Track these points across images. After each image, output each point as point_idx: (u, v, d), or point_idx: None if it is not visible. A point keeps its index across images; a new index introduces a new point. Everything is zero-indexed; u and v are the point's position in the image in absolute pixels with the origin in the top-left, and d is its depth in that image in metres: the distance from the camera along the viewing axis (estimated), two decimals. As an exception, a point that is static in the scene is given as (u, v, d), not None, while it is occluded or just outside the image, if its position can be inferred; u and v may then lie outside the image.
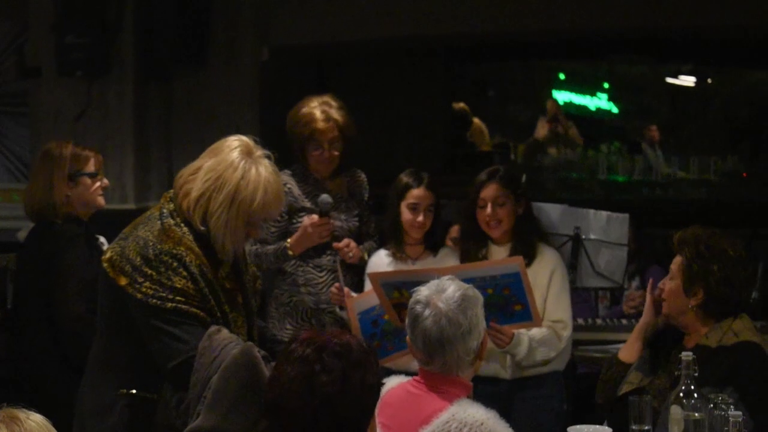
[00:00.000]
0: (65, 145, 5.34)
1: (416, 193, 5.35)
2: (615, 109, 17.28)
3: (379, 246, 5.54)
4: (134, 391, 3.82)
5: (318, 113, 5.45)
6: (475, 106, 14.92)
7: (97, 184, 5.32)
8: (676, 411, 3.76)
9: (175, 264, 3.76)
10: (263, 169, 3.86)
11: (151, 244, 3.77)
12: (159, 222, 3.83)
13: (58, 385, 5.04)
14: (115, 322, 3.84)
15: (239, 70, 8.58)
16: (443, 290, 3.75)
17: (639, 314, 6.52)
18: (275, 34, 8.77)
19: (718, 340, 4.25)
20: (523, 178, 5.48)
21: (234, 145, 3.89)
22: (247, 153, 3.86)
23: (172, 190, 3.93)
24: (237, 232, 3.85)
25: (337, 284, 5.31)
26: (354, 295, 5.29)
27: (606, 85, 17.04)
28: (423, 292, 3.77)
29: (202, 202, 3.81)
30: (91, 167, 5.29)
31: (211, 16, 8.38)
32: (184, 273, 3.76)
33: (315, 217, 5.36)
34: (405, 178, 5.40)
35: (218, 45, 8.47)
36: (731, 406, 3.69)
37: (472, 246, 5.30)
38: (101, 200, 5.35)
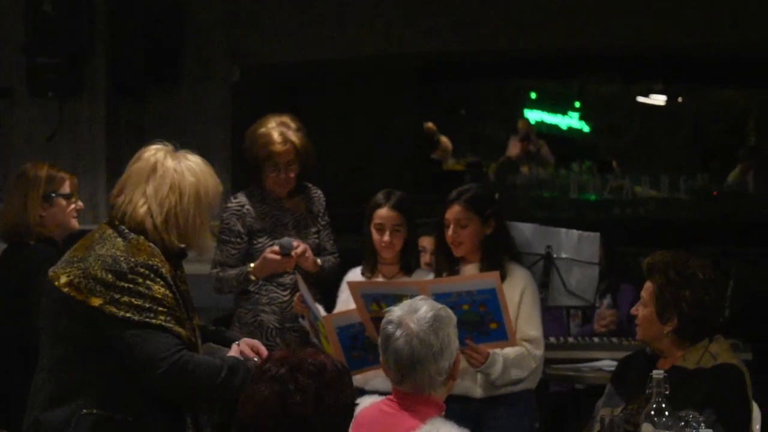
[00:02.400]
0: (41, 167, 5.32)
1: (381, 213, 5.35)
2: (586, 128, 17.36)
3: (341, 262, 5.55)
4: (95, 411, 3.77)
5: (276, 135, 5.41)
6: (448, 125, 14.98)
7: (72, 206, 5.30)
8: (647, 428, 3.77)
9: (151, 274, 3.74)
10: (195, 158, 3.91)
11: (122, 258, 3.74)
12: (121, 239, 3.80)
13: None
14: (79, 342, 3.78)
15: (211, 90, 8.59)
16: (416, 310, 3.75)
17: (610, 333, 6.59)
18: (246, 54, 8.79)
19: (696, 362, 4.27)
20: (496, 196, 5.47)
21: (158, 155, 3.89)
22: (171, 153, 3.89)
23: (112, 214, 3.89)
24: (207, 227, 3.91)
25: (299, 294, 5.29)
26: (325, 313, 5.29)
27: (577, 104, 17.14)
28: (396, 312, 3.77)
29: (171, 221, 3.82)
30: (66, 189, 5.27)
31: (182, 37, 8.39)
32: (161, 282, 3.76)
33: (276, 249, 5.36)
34: (376, 197, 5.41)
35: (190, 65, 8.47)
36: (702, 424, 3.71)
37: (444, 262, 5.31)
38: (75, 222, 5.32)
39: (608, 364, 6.09)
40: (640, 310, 4.38)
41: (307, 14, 8.79)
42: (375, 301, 4.96)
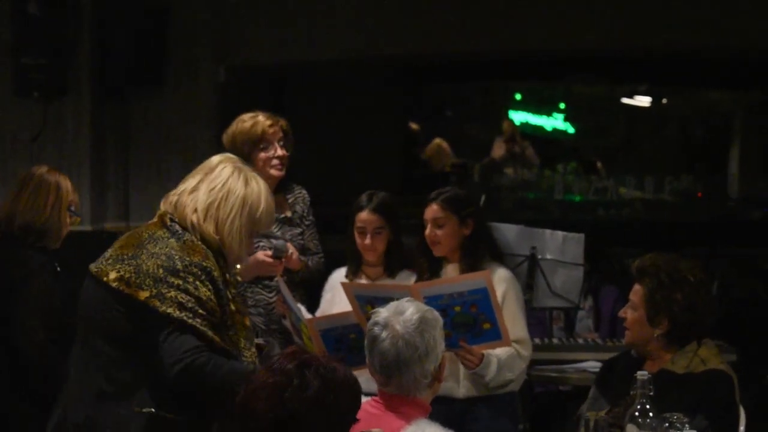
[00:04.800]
0: (63, 177, 5.36)
1: (362, 216, 5.36)
2: (571, 129, 17.36)
3: (326, 264, 5.54)
4: (152, 410, 3.78)
5: (262, 117, 5.41)
6: (433, 126, 14.96)
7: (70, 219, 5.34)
8: (632, 430, 3.78)
9: (203, 275, 3.79)
10: (259, 180, 4.01)
11: (177, 257, 3.79)
12: (174, 239, 3.85)
13: (11, 414, 5.03)
14: (131, 339, 3.80)
15: (196, 90, 8.58)
16: (402, 312, 3.78)
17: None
18: (232, 54, 8.78)
19: (685, 366, 4.28)
20: (482, 199, 5.49)
21: (225, 160, 4.01)
22: (239, 167, 3.99)
23: (164, 210, 3.96)
24: (247, 240, 3.97)
25: (280, 295, 5.29)
26: (307, 313, 5.28)
27: (562, 106, 17.12)
28: (382, 313, 3.80)
29: (212, 211, 3.89)
30: (76, 206, 5.33)
31: (167, 37, 8.37)
32: (209, 285, 3.80)
33: (269, 253, 5.36)
34: (358, 199, 5.41)
35: (175, 65, 8.45)
36: (686, 425, 3.72)
37: (425, 262, 5.33)
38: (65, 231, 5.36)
39: (592, 365, 6.11)
40: (630, 314, 4.39)
41: (293, 15, 8.78)
42: (369, 303, 4.97)
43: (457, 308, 4.85)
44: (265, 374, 3.19)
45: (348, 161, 11.42)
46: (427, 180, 12.78)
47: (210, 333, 3.77)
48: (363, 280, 5.41)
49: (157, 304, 3.74)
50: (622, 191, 13.26)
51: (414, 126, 14.02)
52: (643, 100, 16.40)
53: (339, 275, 5.50)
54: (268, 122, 5.40)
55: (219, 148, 8.17)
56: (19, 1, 7.83)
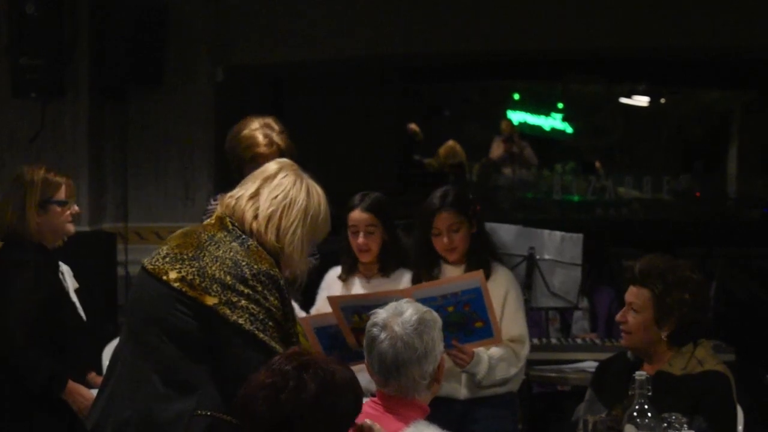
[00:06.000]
0: (37, 171, 5.23)
1: (353, 215, 5.32)
2: (569, 129, 17.38)
3: (321, 263, 5.53)
4: (208, 413, 3.69)
5: (260, 137, 5.29)
6: (431, 126, 14.98)
7: (68, 211, 5.24)
8: (630, 430, 3.77)
9: (270, 285, 3.72)
10: (318, 188, 3.94)
11: (244, 264, 3.72)
12: (237, 243, 3.78)
13: None
14: (191, 340, 3.72)
15: (195, 90, 8.56)
16: (400, 313, 3.76)
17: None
18: (230, 55, 8.77)
19: (683, 367, 4.27)
20: (470, 195, 5.47)
21: (286, 167, 3.96)
22: (300, 175, 3.93)
23: (222, 213, 3.89)
24: (307, 250, 3.90)
25: None
26: (301, 311, 5.27)
27: (560, 106, 17.14)
28: (380, 314, 3.78)
29: (275, 220, 3.82)
30: (61, 194, 5.20)
31: (166, 37, 8.36)
32: (277, 294, 3.74)
33: None
34: (351, 200, 5.39)
35: (173, 66, 8.44)
36: (684, 425, 3.71)
37: (425, 269, 5.29)
38: (71, 227, 5.22)
39: (591, 365, 6.08)
40: (632, 317, 4.36)
41: (290, 15, 8.78)
42: (356, 313, 4.95)
43: (450, 308, 4.84)
44: (263, 374, 3.18)
45: (346, 161, 11.42)
46: (426, 180, 12.80)
47: (278, 348, 3.68)
48: (358, 280, 5.40)
49: (227, 312, 3.67)
50: (620, 191, 13.28)
51: (413, 126, 14.03)
52: (641, 100, 16.43)
53: (334, 274, 5.49)
54: (264, 147, 5.26)
55: (216, 147, 8.23)
56: (16, 2, 7.83)
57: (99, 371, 5.17)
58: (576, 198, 13.39)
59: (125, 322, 3.94)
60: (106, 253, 8.16)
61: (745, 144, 15.27)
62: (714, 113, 16.56)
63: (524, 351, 5.21)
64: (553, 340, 6.59)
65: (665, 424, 3.74)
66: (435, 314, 3.84)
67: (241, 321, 3.67)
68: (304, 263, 3.94)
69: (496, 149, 14.56)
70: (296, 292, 5.47)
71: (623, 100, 16.47)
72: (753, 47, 9.13)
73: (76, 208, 5.26)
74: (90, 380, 5.13)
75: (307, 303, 5.50)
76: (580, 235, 6.23)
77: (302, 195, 3.87)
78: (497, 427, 5.24)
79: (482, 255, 5.23)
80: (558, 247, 6.21)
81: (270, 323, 3.71)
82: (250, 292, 3.69)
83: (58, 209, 5.16)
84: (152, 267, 3.80)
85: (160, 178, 8.51)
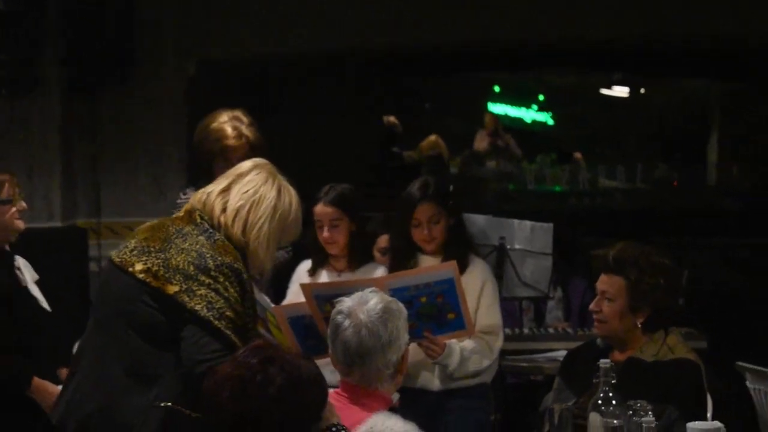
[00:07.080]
0: None
1: (318, 209, 5.33)
2: (550, 121, 17.40)
3: (293, 256, 5.51)
4: (170, 404, 3.74)
5: (229, 130, 5.30)
6: (412, 118, 14.95)
7: (13, 209, 5.18)
8: (594, 418, 3.76)
9: (233, 277, 3.78)
10: (291, 190, 4.02)
11: (209, 255, 3.78)
12: (204, 236, 3.84)
13: None
14: (154, 332, 3.78)
15: (165, 84, 8.55)
16: (366, 302, 3.77)
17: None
18: (202, 48, 8.74)
19: (654, 354, 4.29)
20: (450, 187, 5.46)
21: (259, 166, 4.03)
22: (273, 174, 4.00)
23: (192, 207, 3.95)
24: (273, 248, 3.96)
25: None
26: (273, 304, 5.25)
27: (541, 97, 17.17)
28: (346, 303, 3.80)
29: (242, 213, 3.89)
30: (4, 193, 5.15)
31: (135, 31, 8.34)
32: (238, 288, 3.80)
33: None
34: (318, 193, 5.37)
35: (143, 60, 8.42)
36: (649, 413, 3.69)
37: (401, 257, 5.28)
38: (19, 224, 5.16)
39: (563, 354, 6.07)
40: (606, 306, 4.36)
41: (263, 8, 8.74)
42: (329, 302, 4.93)
43: (423, 299, 4.83)
44: (229, 367, 3.18)
45: (324, 155, 11.38)
46: (405, 173, 12.76)
47: (233, 337, 3.74)
48: (326, 273, 5.38)
49: (186, 299, 3.73)
50: (599, 181, 13.28)
51: (391, 119, 13.99)
52: (622, 90, 16.46)
53: (306, 266, 5.47)
54: (233, 139, 5.26)
55: (189, 143, 8.20)
56: (-15, -1, 7.80)
57: (71, 367, 5.15)
58: (557, 188, 13.37)
59: (91, 314, 3.96)
60: (78, 248, 8.16)
61: (724, 134, 15.29)
62: (694, 103, 16.58)
63: (498, 343, 5.22)
64: (526, 330, 6.59)
65: (630, 412, 3.72)
66: (400, 304, 3.85)
67: (198, 307, 3.72)
68: (269, 261, 4.01)
69: (481, 142, 14.53)
70: (264, 286, 5.46)
71: (603, 90, 16.50)
72: (734, 37, 9.12)
73: (23, 204, 5.19)
74: (61, 376, 5.09)
75: (279, 296, 5.48)
76: (550, 225, 6.23)
77: (272, 193, 3.94)
78: (471, 417, 5.25)
79: (460, 247, 5.24)
80: (528, 237, 6.21)
81: (227, 313, 3.75)
82: (211, 282, 3.75)
83: (3, 208, 5.10)
84: (119, 260, 3.86)
85: (131, 173, 8.51)
